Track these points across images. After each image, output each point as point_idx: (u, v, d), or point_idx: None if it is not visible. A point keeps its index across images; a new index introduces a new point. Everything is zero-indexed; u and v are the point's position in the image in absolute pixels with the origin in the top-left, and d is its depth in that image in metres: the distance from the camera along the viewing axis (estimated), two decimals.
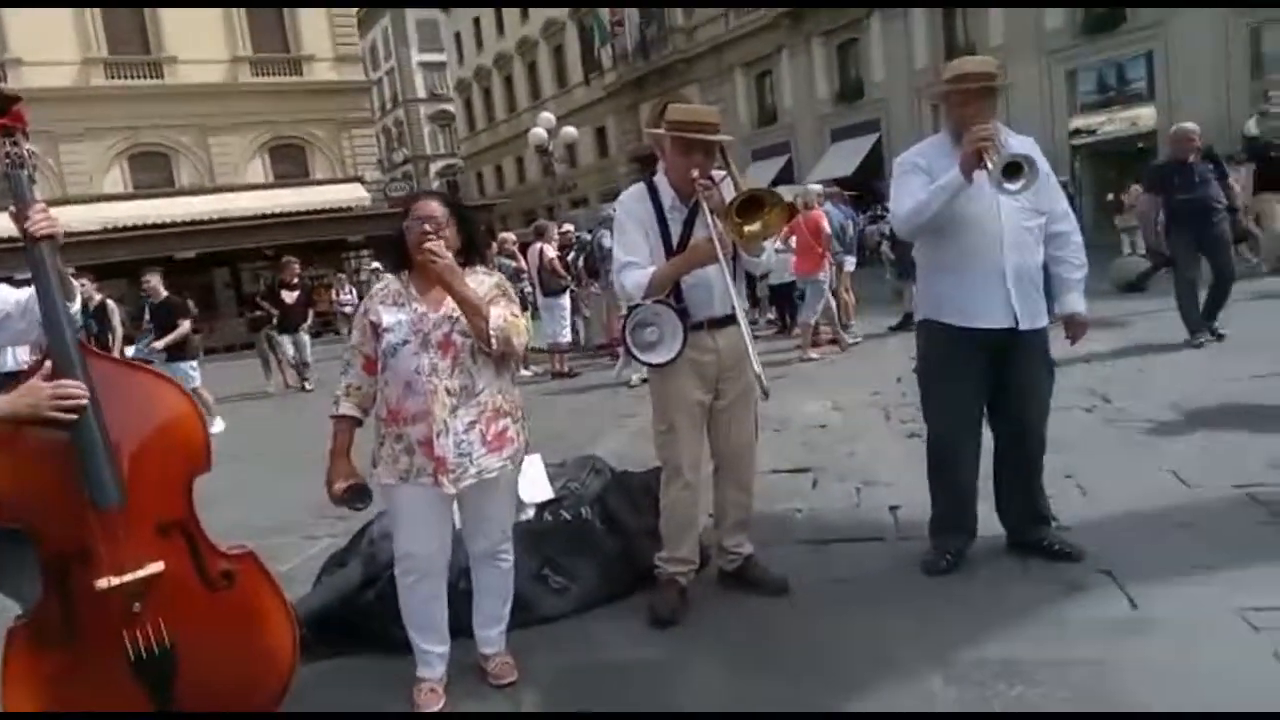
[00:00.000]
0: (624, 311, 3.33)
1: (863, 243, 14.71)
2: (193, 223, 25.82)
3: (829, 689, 2.72)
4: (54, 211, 2.45)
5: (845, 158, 26.25)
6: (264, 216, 26.42)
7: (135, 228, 24.91)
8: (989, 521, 3.56)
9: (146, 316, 9.91)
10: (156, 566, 2.34)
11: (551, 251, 10.82)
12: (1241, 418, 5.04)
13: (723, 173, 3.28)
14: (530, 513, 3.55)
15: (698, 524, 3.48)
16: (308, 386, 12.30)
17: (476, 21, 45.54)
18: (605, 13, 35.04)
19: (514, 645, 3.07)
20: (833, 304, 10.00)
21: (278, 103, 29.46)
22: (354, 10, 33.26)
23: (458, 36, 48.09)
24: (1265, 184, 10.25)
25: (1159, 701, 2.42)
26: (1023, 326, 3.27)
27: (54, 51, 25.65)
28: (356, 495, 2.74)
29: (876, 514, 4.22)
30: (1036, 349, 3.38)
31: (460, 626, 2.99)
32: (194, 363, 9.35)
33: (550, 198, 31.73)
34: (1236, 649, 2.63)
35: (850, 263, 11.16)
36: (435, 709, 2.83)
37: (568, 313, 11.01)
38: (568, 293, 10.98)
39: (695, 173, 3.13)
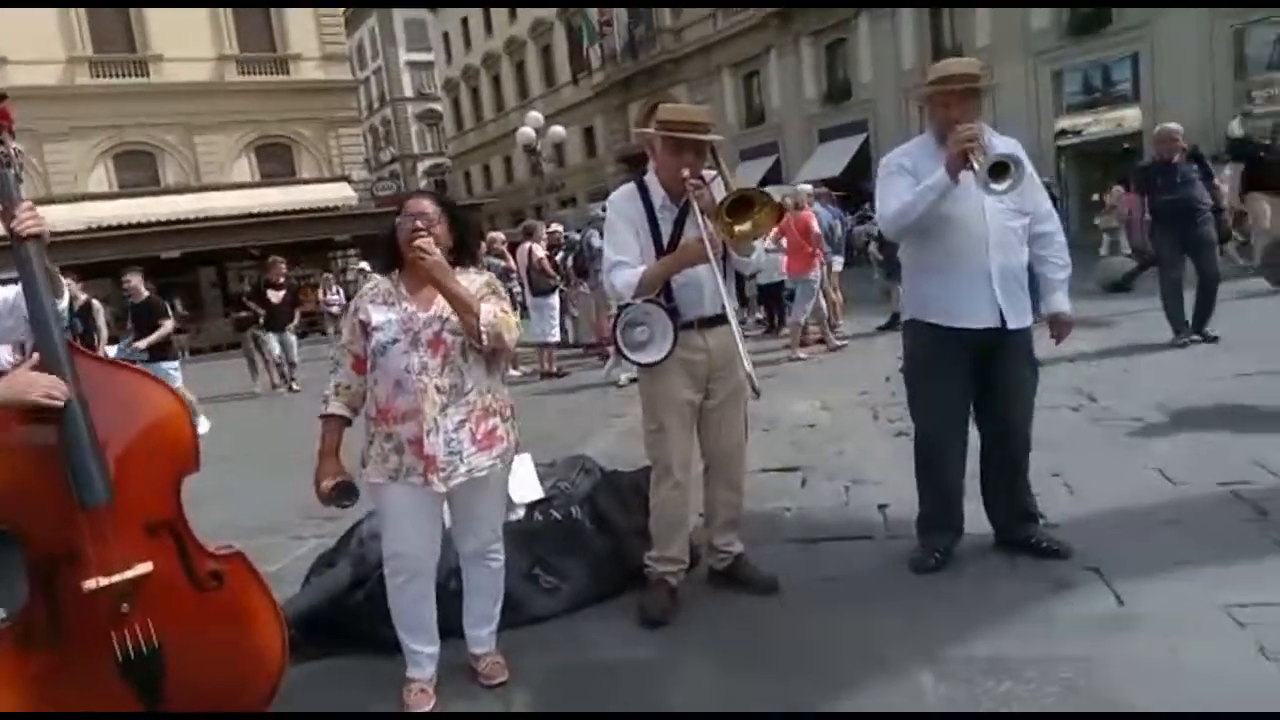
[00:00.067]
0: (614, 311, 3.33)
1: (850, 243, 14.75)
2: (178, 222, 25.67)
3: (818, 687, 2.73)
4: (38, 211, 2.44)
5: (833, 158, 26.34)
6: (250, 216, 26.28)
7: (120, 227, 24.75)
8: (977, 519, 3.58)
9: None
10: (145, 567, 2.33)
11: (540, 251, 10.81)
12: (1226, 416, 5.09)
13: (713, 172, 3.28)
14: (520, 512, 3.55)
15: (688, 523, 3.48)
16: (294, 387, 12.25)
17: (464, 21, 45.42)
18: (593, 12, 35.03)
19: (504, 645, 3.07)
20: (823, 304, 10.03)
21: (264, 102, 29.30)
22: (341, 9, 33.11)
23: (445, 36, 47.97)
24: (1253, 184, 10.33)
25: (1146, 697, 2.44)
26: (1009, 326, 3.29)
27: (38, 50, 25.41)
28: (343, 493, 2.72)
29: (865, 513, 4.23)
30: (1021, 348, 3.41)
31: (450, 627, 2.99)
32: (175, 363, 9.28)
33: (538, 197, 31.68)
34: (1222, 644, 2.65)
35: (838, 263, 11.21)
36: (425, 709, 2.82)
37: (557, 312, 11.01)
38: (557, 292, 10.98)
39: (686, 172, 3.14)
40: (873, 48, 26.19)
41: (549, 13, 38.55)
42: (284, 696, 2.66)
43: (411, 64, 51.38)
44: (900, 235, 3.48)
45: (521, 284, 10.93)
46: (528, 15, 40.10)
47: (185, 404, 2.60)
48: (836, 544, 3.90)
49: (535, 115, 22.25)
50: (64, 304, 2.49)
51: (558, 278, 11.09)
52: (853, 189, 20.78)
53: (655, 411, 3.31)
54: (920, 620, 3.05)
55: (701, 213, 3.10)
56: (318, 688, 3.02)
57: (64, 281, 2.58)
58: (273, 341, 12.33)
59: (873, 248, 12.89)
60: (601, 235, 3.81)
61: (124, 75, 27.58)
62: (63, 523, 2.26)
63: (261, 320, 12.23)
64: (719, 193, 3.14)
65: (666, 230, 3.27)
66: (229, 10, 28.62)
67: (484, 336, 2.67)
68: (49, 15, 25.83)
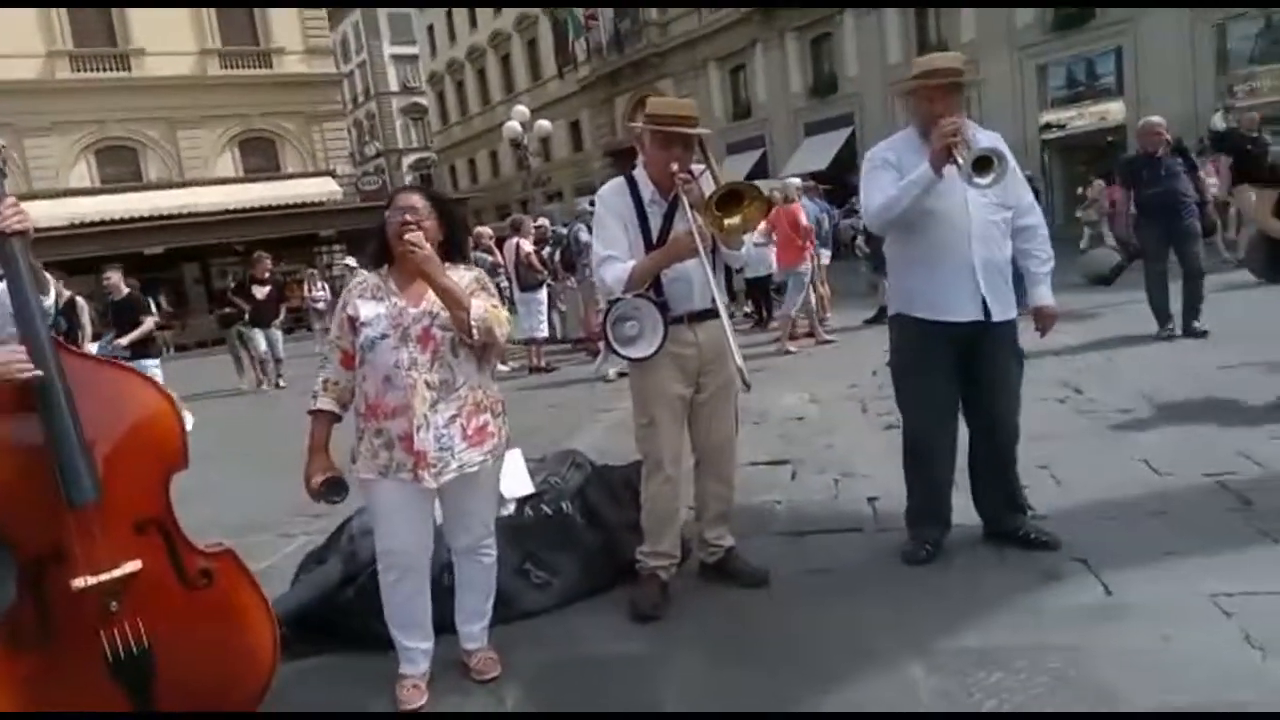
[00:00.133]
0: (602, 306, 3.33)
1: (837, 236, 14.77)
2: (162, 218, 25.45)
3: (809, 680, 2.74)
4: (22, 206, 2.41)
5: (819, 152, 26.36)
6: (234, 211, 26.14)
7: (103, 223, 24.57)
8: (966, 511, 3.60)
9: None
10: (133, 565, 2.31)
11: (528, 246, 10.78)
12: (1210, 408, 5.14)
13: (702, 167, 3.28)
14: (511, 507, 3.54)
15: (679, 517, 3.48)
16: (280, 383, 12.19)
17: (449, 14, 45.14)
18: (579, 7, 34.91)
19: (496, 640, 3.07)
20: (811, 297, 10.06)
21: (247, 96, 29.04)
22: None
23: (430, 29, 47.66)
24: (1242, 177, 10.39)
25: (1134, 685, 2.46)
26: (993, 318, 3.31)
27: (18, 44, 25.06)
28: (333, 489, 2.71)
29: (854, 505, 4.25)
30: (1006, 341, 3.42)
31: (443, 622, 2.98)
32: (157, 361, 9.19)
33: (524, 192, 31.55)
34: (1209, 633, 2.68)
35: (825, 256, 11.24)
36: (418, 705, 2.81)
37: (544, 307, 10.98)
38: (544, 287, 10.95)
39: (675, 166, 3.14)
40: (858, 42, 26.21)
41: (534, 7, 38.37)
42: (275, 694, 2.66)
43: (396, 57, 51.12)
44: (885, 229, 3.49)
45: (509, 279, 10.90)
46: (512, 9, 39.90)
47: (174, 401, 2.57)
48: (826, 536, 3.91)
49: (521, 109, 22.14)
50: (50, 301, 2.47)
51: (545, 272, 11.06)
52: (839, 183, 20.81)
53: (646, 406, 3.31)
54: (910, 612, 3.07)
55: (690, 207, 3.10)
56: (309, 685, 3.02)
57: (48, 278, 2.55)
58: (259, 338, 12.24)
59: (859, 241, 12.90)
60: (589, 229, 3.80)
61: (105, 69, 27.26)
62: (50, 522, 2.24)
63: (246, 316, 12.15)
64: (708, 187, 3.13)
65: (656, 224, 3.26)
66: (211, 7, 28.36)
67: (474, 331, 2.66)
68: (27, 9, 25.50)
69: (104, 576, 2.26)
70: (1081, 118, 21.98)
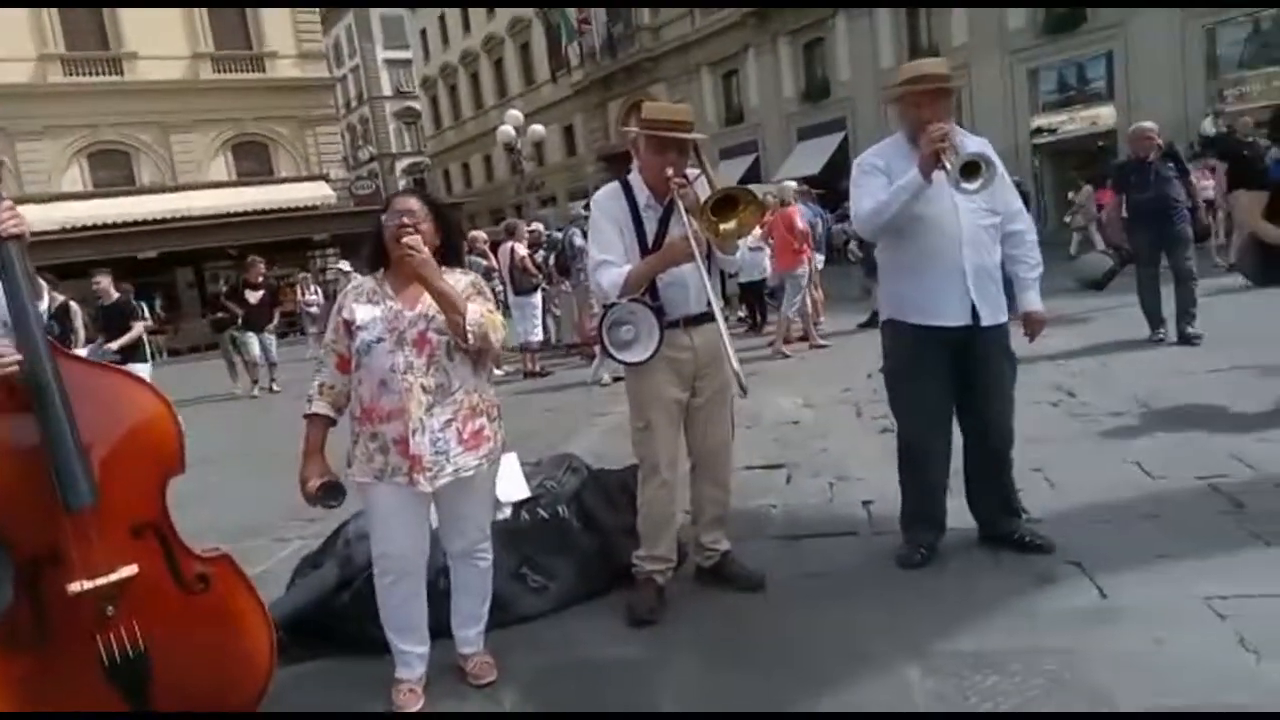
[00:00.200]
0: (597, 310, 3.33)
1: (830, 241, 14.80)
2: (154, 222, 25.38)
3: (804, 683, 2.75)
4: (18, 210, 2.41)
5: (812, 156, 26.41)
6: (227, 215, 26.05)
7: (95, 227, 24.44)
8: (960, 515, 3.61)
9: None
10: (130, 570, 2.31)
11: (523, 250, 10.78)
12: (1202, 411, 5.16)
13: (697, 171, 3.29)
14: (507, 511, 3.55)
15: (675, 522, 3.48)
16: (275, 388, 12.16)
17: (442, 18, 45.14)
18: (572, 11, 34.95)
19: (492, 645, 3.07)
20: (808, 301, 10.08)
21: (240, 100, 28.97)
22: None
23: (423, 33, 47.67)
24: (1237, 182, 10.42)
25: (1129, 688, 2.47)
26: (984, 323, 3.33)
27: (9, 47, 24.97)
28: (330, 493, 2.71)
29: (849, 509, 4.26)
30: (997, 345, 3.44)
31: (438, 627, 2.98)
32: (147, 365, 9.16)
33: (518, 196, 31.53)
34: (1203, 636, 2.69)
35: (818, 260, 11.26)
36: (414, 709, 2.81)
37: (539, 312, 10.98)
38: (539, 291, 10.95)
39: (670, 171, 3.14)
40: (850, 46, 26.31)
41: (527, 10, 38.39)
42: (272, 699, 2.66)
43: (389, 62, 51.08)
44: (875, 234, 3.51)
45: (504, 283, 10.89)
46: (505, 12, 39.91)
47: (171, 405, 2.57)
48: (821, 540, 3.92)
49: (515, 113, 22.18)
50: (44, 306, 2.47)
51: (540, 276, 11.06)
52: (832, 187, 20.84)
53: (642, 410, 3.32)
54: (905, 615, 3.08)
55: (686, 211, 3.10)
56: (305, 690, 3.01)
57: (42, 283, 2.55)
58: (252, 342, 12.20)
59: (852, 245, 12.93)
60: (583, 234, 3.80)
61: (97, 73, 27.15)
62: (47, 525, 2.24)
63: (240, 321, 12.12)
64: (703, 191, 3.15)
65: (651, 229, 3.27)
66: (203, 8, 28.31)
67: (470, 336, 2.67)
68: (19, 11, 25.39)
69: (100, 581, 2.25)
70: (1072, 122, 22.09)
